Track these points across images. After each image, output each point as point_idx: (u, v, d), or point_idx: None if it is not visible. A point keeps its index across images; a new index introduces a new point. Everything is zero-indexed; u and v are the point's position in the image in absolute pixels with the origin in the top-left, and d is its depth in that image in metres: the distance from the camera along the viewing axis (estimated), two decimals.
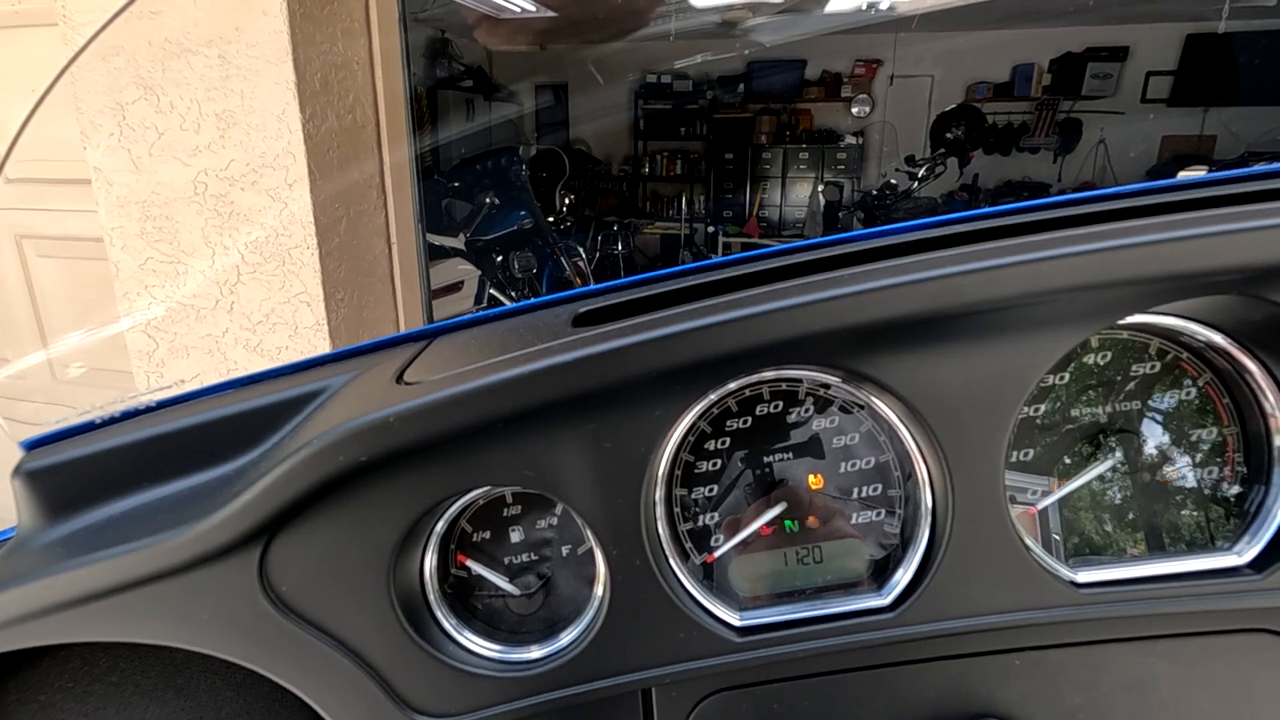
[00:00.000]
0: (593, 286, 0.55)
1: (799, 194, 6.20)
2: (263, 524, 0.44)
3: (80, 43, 1.90)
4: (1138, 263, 0.43)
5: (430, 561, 0.53)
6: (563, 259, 3.91)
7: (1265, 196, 0.48)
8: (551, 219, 3.87)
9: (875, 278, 0.43)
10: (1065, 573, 0.51)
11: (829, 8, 4.29)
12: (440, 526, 0.52)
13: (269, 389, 0.51)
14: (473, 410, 0.43)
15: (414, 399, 0.43)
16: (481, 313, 0.56)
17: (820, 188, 5.84)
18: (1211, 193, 0.51)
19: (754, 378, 0.50)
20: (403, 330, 2.26)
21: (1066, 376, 0.52)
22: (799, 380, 0.52)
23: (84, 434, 0.50)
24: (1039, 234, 0.47)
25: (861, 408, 0.52)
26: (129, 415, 0.50)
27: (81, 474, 0.49)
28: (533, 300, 0.56)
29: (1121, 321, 0.50)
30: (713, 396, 0.50)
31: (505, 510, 0.54)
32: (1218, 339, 0.50)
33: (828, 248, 0.53)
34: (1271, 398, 0.49)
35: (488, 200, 3.62)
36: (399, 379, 0.47)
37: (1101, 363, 0.52)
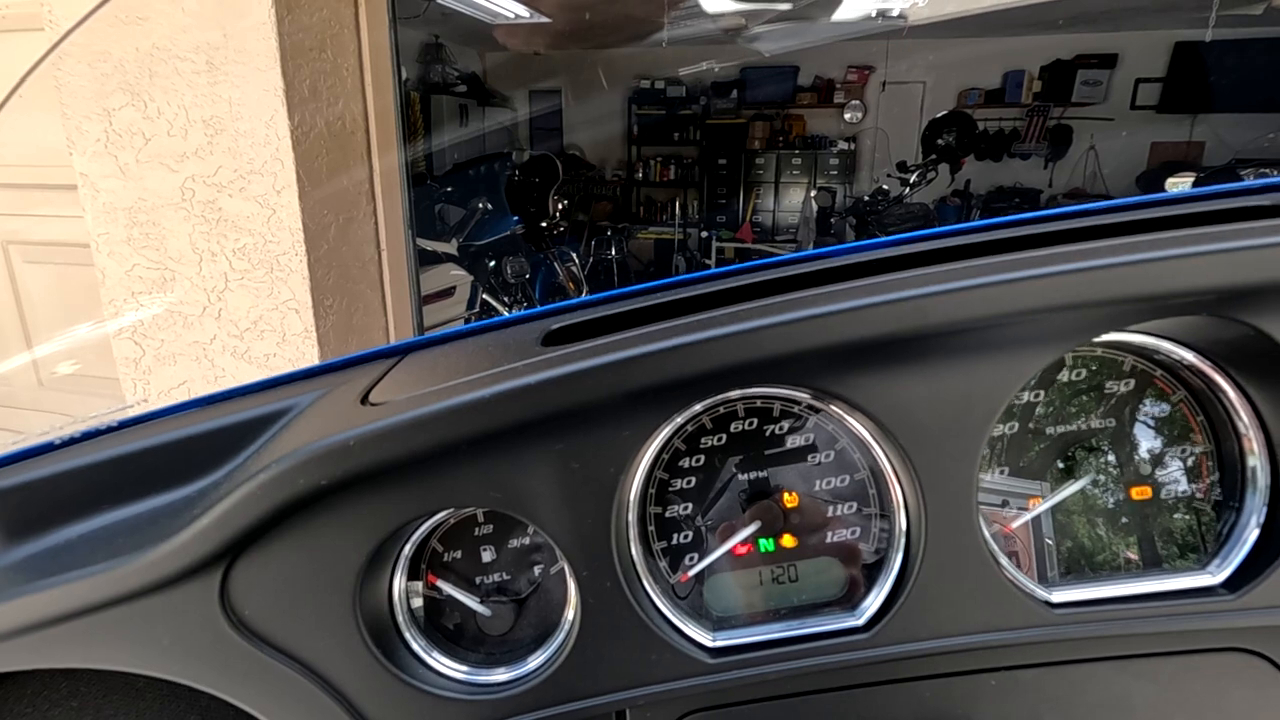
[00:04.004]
0: (565, 303, 0.54)
1: (792, 199, 6.22)
2: (223, 548, 0.44)
3: (67, 48, 1.89)
4: (1107, 284, 0.42)
5: (399, 582, 0.52)
6: (556, 264, 3.91)
7: (1240, 215, 0.48)
8: (544, 224, 3.87)
9: (843, 298, 0.42)
10: (1040, 592, 0.50)
11: (824, 18, 4.32)
12: (408, 548, 0.51)
13: (234, 408, 0.50)
14: (436, 433, 0.42)
15: (376, 421, 0.42)
16: (452, 329, 0.55)
17: (813, 193, 5.85)
18: (1186, 210, 0.51)
19: (725, 396, 0.49)
20: (391, 342, 2.25)
21: (1042, 394, 0.52)
22: (773, 398, 0.51)
23: (42, 455, 0.49)
24: (1012, 253, 0.47)
25: (837, 426, 0.52)
26: (89, 436, 0.49)
27: (39, 497, 0.48)
28: (504, 317, 0.56)
29: (1095, 339, 0.50)
30: (679, 419, 0.49)
31: (477, 529, 0.54)
32: (1190, 357, 0.49)
33: (800, 264, 0.53)
34: (1245, 417, 0.49)
35: (480, 205, 3.62)
36: (364, 399, 0.47)
37: (1076, 379, 0.52)
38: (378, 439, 0.42)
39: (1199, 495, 0.52)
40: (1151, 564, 0.52)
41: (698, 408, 0.49)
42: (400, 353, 0.55)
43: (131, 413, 0.50)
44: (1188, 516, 0.52)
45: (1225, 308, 0.44)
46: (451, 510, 0.51)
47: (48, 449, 0.49)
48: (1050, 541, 0.53)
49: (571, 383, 0.42)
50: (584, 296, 0.53)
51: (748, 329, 0.42)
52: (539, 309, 0.55)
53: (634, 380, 0.43)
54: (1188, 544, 0.52)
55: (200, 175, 1.85)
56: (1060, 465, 0.52)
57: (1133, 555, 0.52)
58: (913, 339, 0.44)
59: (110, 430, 0.50)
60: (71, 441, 0.49)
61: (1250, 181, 0.55)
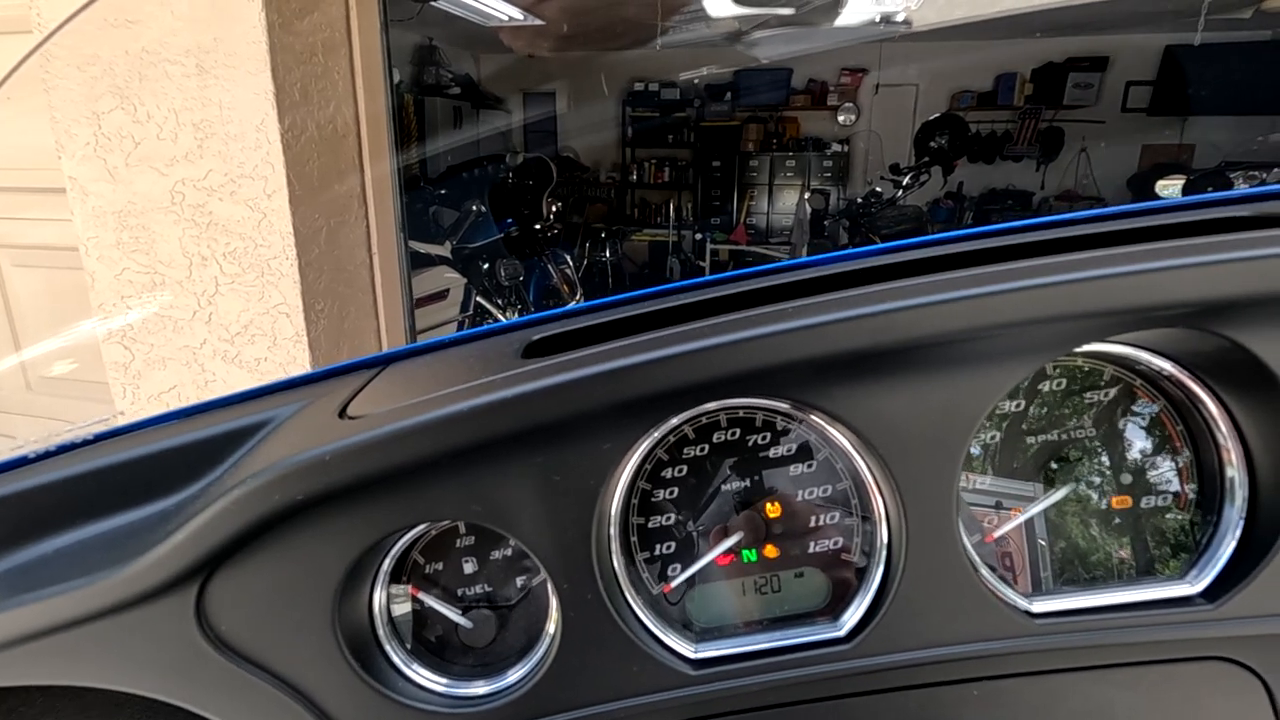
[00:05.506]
0: (546, 313, 0.54)
1: (786, 201, 6.23)
2: (198, 563, 0.43)
3: (56, 51, 1.88)
4: (1086, 297, 0.42)
5: (379, 595, 0.52)
6: (550, 267, 3.91)
7: (1221, 226, 0.48)
8: (538, 226, 3.87)
9: (822, 311, 0.42)
10: (1021, 602, 0.50)
11: (818, 22, 4.33)
12: (388, 561, 0.51)
13: (211, 420, 0.49)
14: (413, 447, 0.42)
15: (353, 435, 0.42)
16: (433, 340, 0.55)
17: (806, 195, 5.86)
18: (1168, 220, 0.52)
19: (705, 408, 0.49)
20: (382, 346, 2.23)
21: (1023, 403, 0.52)
22: (754, 409, 0.51)
23: (16, 469, 0.48)
24: (993, 264, 0.47)
25: (818, 436, 0.52)
26: (64, 449, 0.49)
27: (13, 511, 0.47)
28: (485, 327, 0.55)
29: (1075, 350, 0.50)
30: (658, 433, 0.49)
31: (458, 541, 0.53)
32: (1170, 368, 0.50)
33: (783, 274, 0.53)
34: (1223, 427, 0.49)
35: (474, 208, 3.61)
36: (342, 412, 0.46)
37: (1057, 389, 0.52)
38: (354, 453, 0.41)
39: (1179, 504, 0.52)
40: (1144, 565, 0.52)
41: (675, 420, 0.49)
42: (381, 364, 0.55)
43: (108, 425, 0.50)
44: (1178, 518, 0.52)
45: (1203, 320, 0.44)
46: (431, 523, 0.50)
47: (22, 463, 0.49)
48: (1044, 543, 0.53)
49: (550, 396, 0.42)
50: (565, 307, 0.53)
51: (726, 342, 0.42)
52: (520, 319, 0.55)
53: (613, 393, 0.43)
54: (1180, 543, 0.52)
55: (190, 179, 1.84)
56: (1043, 473, 0.53)
57: (1125, 555, 0.52)
58: (892, 351, 0.44)
59: (86, 443, 0.49)
60: (47, 455, 0.49)
61: (1232, 191, 0.55)
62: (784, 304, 0.45)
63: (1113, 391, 0.52)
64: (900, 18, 4.26)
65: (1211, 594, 0.49)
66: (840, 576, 0.53)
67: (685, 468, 0.52)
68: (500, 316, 3.36)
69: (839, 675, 0.50)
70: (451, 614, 0.53)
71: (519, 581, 0.54)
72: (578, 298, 3.90)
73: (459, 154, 5.33)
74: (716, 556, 0.52)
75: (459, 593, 0.54)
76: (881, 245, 0.54)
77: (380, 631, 0.52)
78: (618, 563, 0.51)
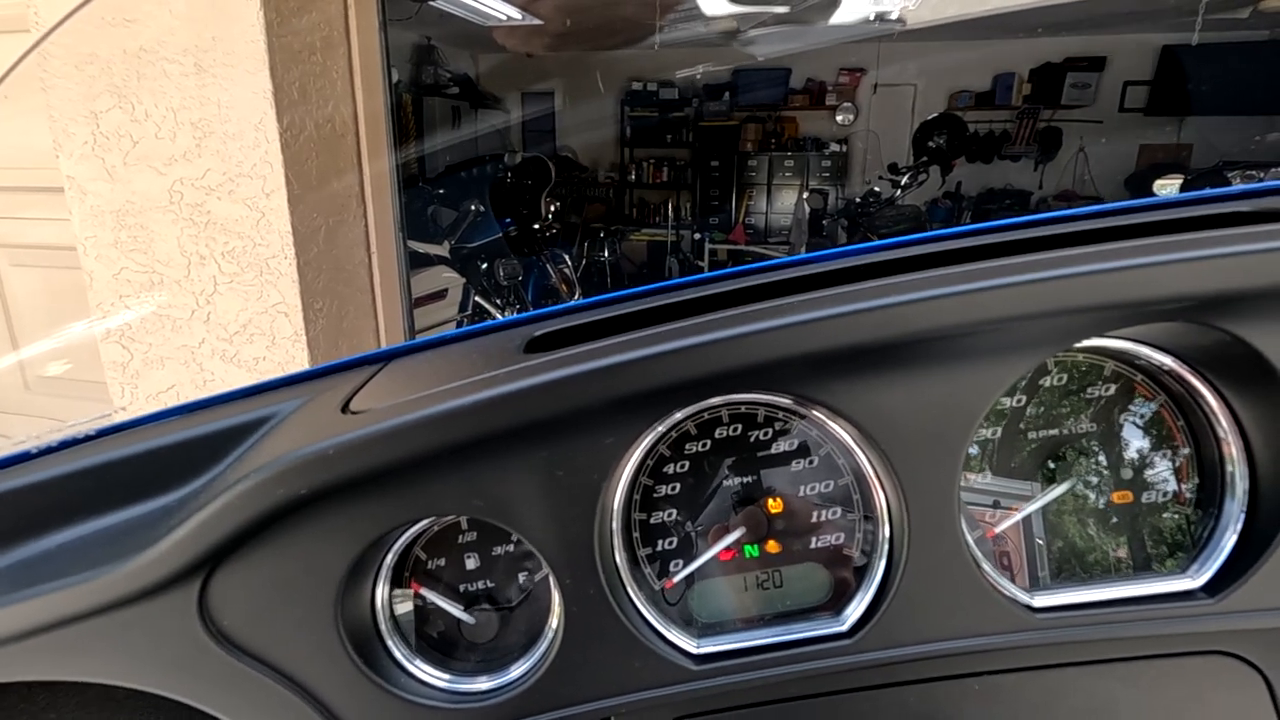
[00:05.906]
0: (549, 309, 0.54)
1: (785, 201, 6.23)
2: (201, 558, 0.43)
3: (54, 50, 1.87)
4: (1087, 291, 0.43)
5: (382, 591, 0.52)
6: (549, 266, 3.91)
7: (1222, 221, 0.48)
8: (537, 226, 3.87)
9: (824, 305, 0.42)
10: (1022, 597, 0.51)
11: (816, 21, 4.34)
12: (391, 556, 0.51)
13: (214, 416, 0.49)
14: (416, 442, 0.42)
15: (355, 430, 0.42)
16: (435, 336, 0.55)
17: (805, 195, 5.86)
18: (1169, 215, 0.52)
19: (707, 403, 0.49)
20: (380, 345, 2.23)
21: (1024, 398, 0.52)
22: (756, 404, 0.51)
23: (19, 465, 0.48)
24: (994, 259, 0.47)
25: (820, 431, 0.52)
26: (66, 445, 0.49)
27: (15, 507, 0.47)
28: (488, 323, 0.55)
29: (1075, 345, 0.50)
30: (660, 428, 0.49)
31: (460, 536, 0.53)
32: (1170, 362, 0.50)
33: (784, 269, 0.53)
34: (1224, 422, 0.49)
35: (473, 208, 3.61)
36: (345, 407, 0.46)
37: (1058, 384, 0.52)
38: (358, 448, 0.42)
39: (1179, 499, 0.52)
40: (1141, 564, 0.52)
41: (679, 415, 0.49)
42: (383, 359, 0.55)
43: (111, 420, 0.50)
44: (1175, 517, 0.52)
45: (1204, 314, 0.45)
46: (434, 518, 0.50)
47: (24, 458, 0.49)
48: (1041, 542, 0.53)
49: (552, 390, 0.42)
50: (568, 302, 0.53)
51: (728, 336, 0.42)
52: (523, 315, 0.55)
53: (615, 387, 0.43)
54: (1177, 543, 0.52)
55: (188, 178, 1.84)
56: (1044, 469, 0.53)
57: (1122, 554, 0.52)
58: (893, 346, 0.44)
59: (89, 439, 0.49)
60: (49, 450, 0.49)
61: (1233, 187, 0.55)
62: (785, 299, 0.45)
63: (1113, 387, 0.52)
64: (897, 16, 4.27)
65: (1212, 588, 0.49)
66: (842, 572, 0.53)
67: (687, 464, 0.52)
68: (499, 316, 3.36)
69: (841, 670, 0.50)
70: (454, 610, 0.53)
71: (521, 577, 0.54)
72: (576, 297, 3.90)
73: (457, 153, 5.32)
74: (718, 552, 0.52)
75: (461, 589, 0.54)
76: (880, 242, 0.54)
77: (383, 627, 0.52)
78: (620, 558, 0.51)
